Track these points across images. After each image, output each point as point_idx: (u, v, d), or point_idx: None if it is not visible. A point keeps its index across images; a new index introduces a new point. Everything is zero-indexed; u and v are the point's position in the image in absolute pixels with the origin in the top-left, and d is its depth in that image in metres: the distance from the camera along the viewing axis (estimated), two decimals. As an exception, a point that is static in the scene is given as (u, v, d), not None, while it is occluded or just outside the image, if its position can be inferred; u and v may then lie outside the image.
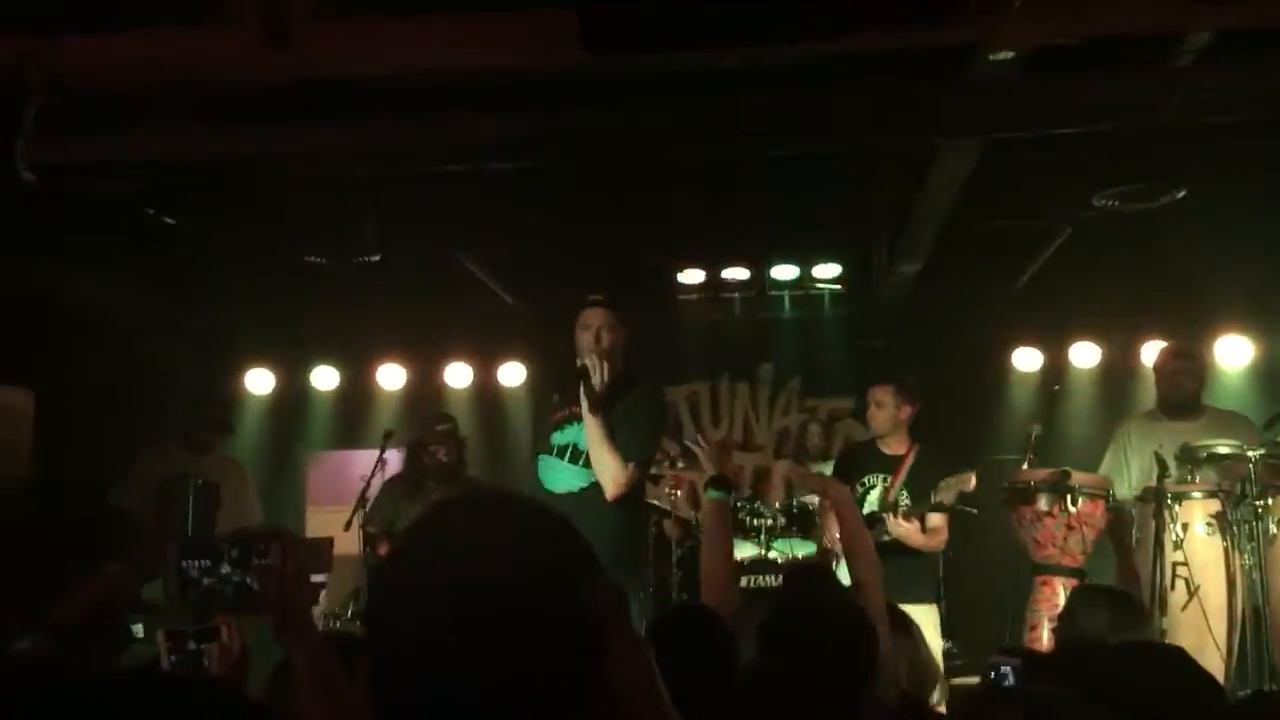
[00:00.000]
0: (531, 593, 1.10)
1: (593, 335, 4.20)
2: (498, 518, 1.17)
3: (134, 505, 5.78)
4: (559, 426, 4.28)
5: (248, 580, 2.02)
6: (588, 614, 1.13)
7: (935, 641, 4.85)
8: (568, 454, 4.23)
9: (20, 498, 5.35)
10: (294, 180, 5.09)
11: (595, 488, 4.15)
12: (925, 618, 4.68)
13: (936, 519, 5.16)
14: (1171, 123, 4.47)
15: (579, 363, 4.16)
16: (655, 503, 7.61)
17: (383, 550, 5.65)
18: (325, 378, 8.40)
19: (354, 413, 8.38)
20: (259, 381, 8.38)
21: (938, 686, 3.41)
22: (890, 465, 5.37)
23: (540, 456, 4.34)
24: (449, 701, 1.07)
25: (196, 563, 2.08)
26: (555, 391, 4.40)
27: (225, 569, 2.06)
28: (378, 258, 6.36)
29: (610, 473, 4.08)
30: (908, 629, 3.26)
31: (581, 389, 4.11)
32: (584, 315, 4.26)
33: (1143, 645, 2.13)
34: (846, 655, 2.36)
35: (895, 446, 5.42)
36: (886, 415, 5.43)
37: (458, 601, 1.09)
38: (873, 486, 5.37)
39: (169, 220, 5.78)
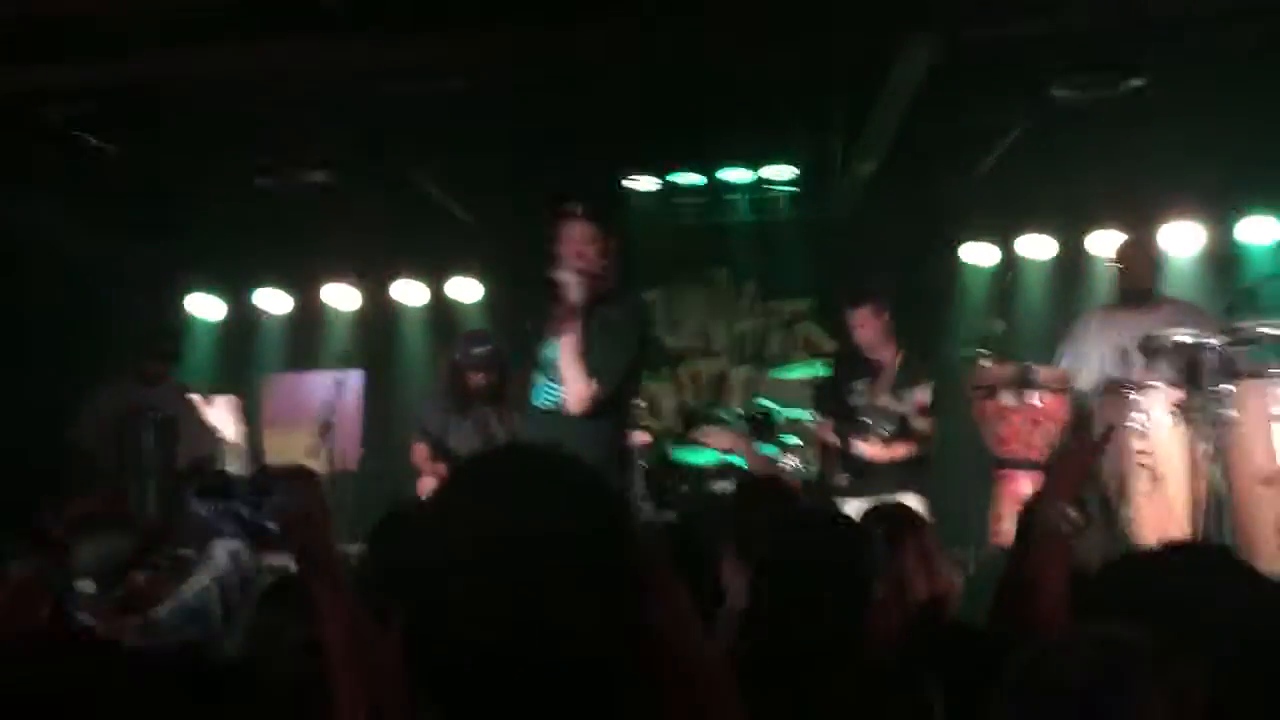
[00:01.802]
0: (571, 546, 1.07)
1: (573, 250, 4.07)
2: (534, 471, 1.14)
3: (92, 444, 5.67)
4: (546, 343, 4.20)
5: (264, 520, 1.97)
6: (627, 565, 1.10)
7: None
8: (548, 370, 4.17)
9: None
10: (240, 101, 4.91)
11: (563, 406, 4.11)
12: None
13: (922, 424, 5.42)
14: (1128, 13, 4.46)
15: (551, 277, 4.06)
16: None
17: (438, 467, 5.53)
18: (274, 300, 8.26)
19: (305, 334, 8.27)
20: (208, 307, 8.23)
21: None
22: (875, 372, 5.66)
23: (534, 372, 4.26)
24: (488, 654, 1.04)
25: (210, 505, 2.02)
26: (529, 315, 4.29)
27: (242, 509, 2.01)
28: (325, 177, 6.20)
29: (573, 389, 4.04)
30: (920, 529, 3.10)
31: (556, 304, 4.03)
32: (563, 229, 4.10)
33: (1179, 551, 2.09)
34: (843, 580, 2.33)
35: (880, 353, 5.68)
36: (871, 332, 5.68)
37: (498, 555, 1.06)
38: (862, 393, 5.65)
39: (109, 146, 5.59)
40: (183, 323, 7.92)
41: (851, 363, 5.89)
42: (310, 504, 1.83)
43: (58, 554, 2.12)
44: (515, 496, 1.09)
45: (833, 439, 5.89)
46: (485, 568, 1.05)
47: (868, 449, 5.59)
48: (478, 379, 5.65)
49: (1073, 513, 2.36)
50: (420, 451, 5.74)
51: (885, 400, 5.60)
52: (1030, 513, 3.20)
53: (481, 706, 1.05)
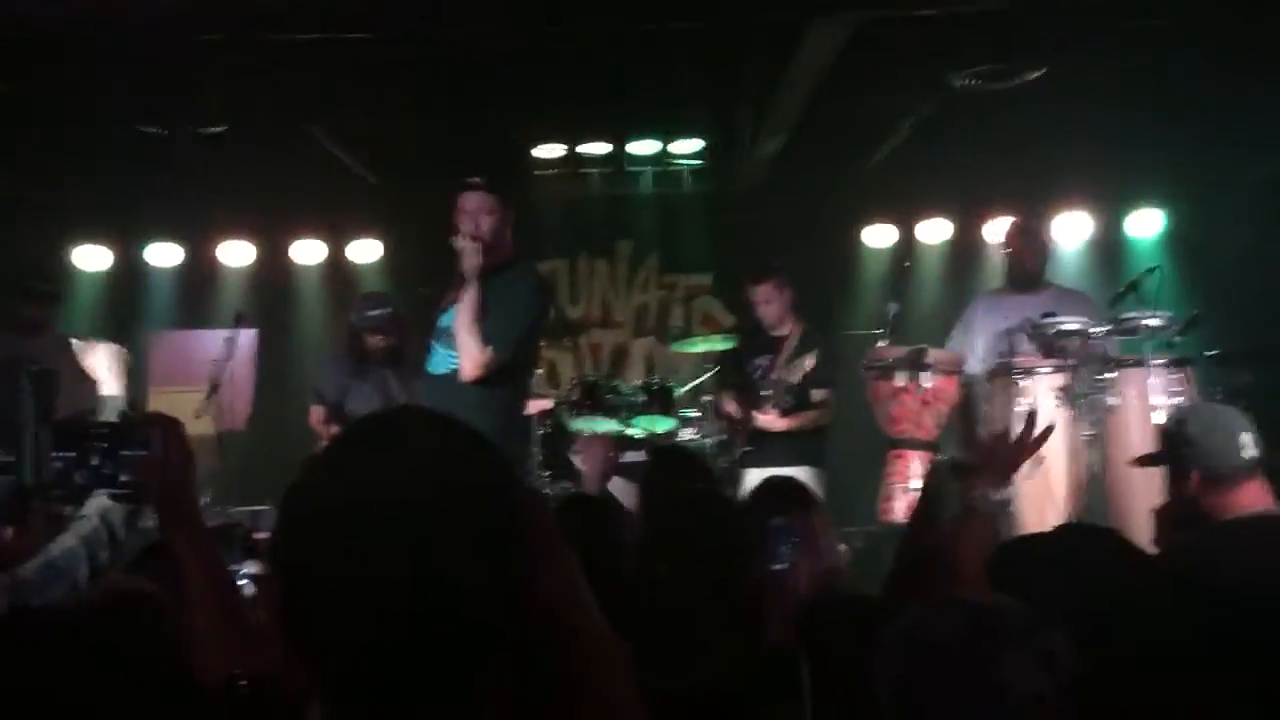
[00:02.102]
0: (453, 510, 1.05)
1: (470, 219, 4.10)
2: (419, 434, 1.11)
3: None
4: (444, 310, 4.22)
5: (119, 472, 1.91)
6: (512, 530, 1.08)
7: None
8: (443, 338, 4.18)
9: None
10: (135, 44, 4.73)
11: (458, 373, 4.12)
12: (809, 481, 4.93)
13: (818, 394, 5.64)
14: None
15: (454, 245, 4.07)
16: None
17: (334, 430, 5.44)
18: (165, 254, 8.03)
19: (197, 290, 8.06)
20: (93, 258, 7.96)
21: None
22: (776, 347, 5.84)
23: (431, 340, 4.28)
24: (362, 620, 1.02)
25: (63, 454, 1.95)
26: (420, 284, 4.31)
27: (95, 460, 1.94)
28: (222, 130, 6.02)
29: (466, 354, 4.04)
30: (809, 505, 3.14)
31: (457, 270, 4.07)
32: (462, 199, 4.13)
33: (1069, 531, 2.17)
34: (727, 558, 2.37)
35: (781, 328, 5.87)
36: (774, 308, 5.85)
37: (376, 517, 1.03)
38: (762, 366, 5.84)
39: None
40: (64, 270, 7.62)
41: (754, 337, 6.03)
42: (170, 452, 1.77)
43: None
44: (398, 458, 1.07)
45: (734, 411, 5.99)
46: (362, 530, 1.02)
47: (766, 420, 5.73)
48: (376, 341, 5.60)
49: (1002, 496, 2.49)
50: (316, 414, 5.67)
51: (783, 373, 5.73)
52: (933, 489, 3.30)
53: (358, 673, 1.03)
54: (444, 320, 4.21)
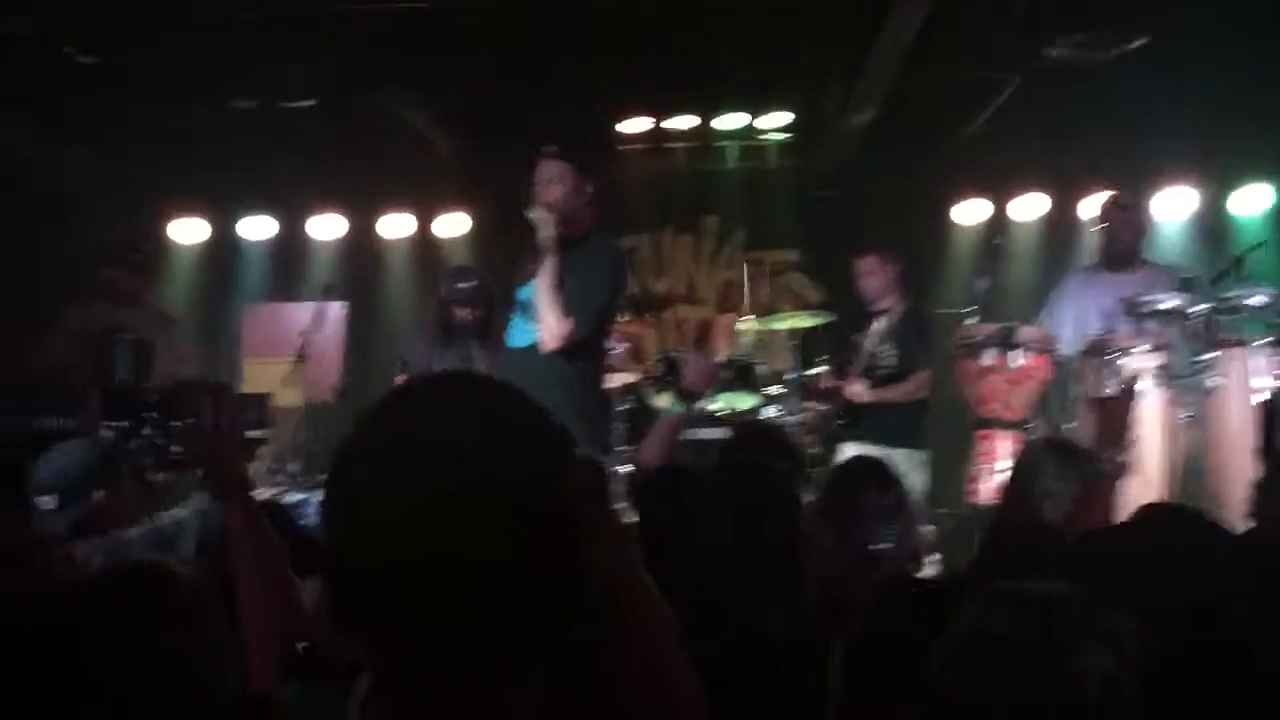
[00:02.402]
0: (497, 481, 1.01)
1: (544, 188, 4.08)
2: (465, 403, 1.08)
3: (60, 365, 5.57)
4: (523, 284, 4.21)
5: (171, 441, 1.93)
6: (559, 499, 1.05)
7: (919, 487, 5.17)
8: (525, 310, 4.19)
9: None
10: (223, 19, 4.80)
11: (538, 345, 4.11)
12: (902, 463, 4.95)
13: (913, 370, 5.56)
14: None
15: (528, 216, 4.05)
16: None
17: None
18: (258, 227, 8.17)
19: (289, 264, 8.18)
20: (189, 231, 8.13)
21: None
22: (875, 321, 5.78)
23: (512, 313, 4.30)
24: (406, 602, 1.00)
25: (117, 424, 1.98)
26: (508, 254, 4.31)
27: (147, 430, 1.97)
28: (312, 103, 6.09)
29: (547, 325, 4.04)
30: (886, 487, 3.11)
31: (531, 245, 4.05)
32: (539, 168, 4.11)
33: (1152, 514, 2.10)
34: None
35: (883, 303, 5.80)
36: (876, 282, 5.79)
37: (423, 491, 1.00)
38: (861, 341, 5.80)
39: (88, 60, 5.46)
40: (160, 244, 7.80)
41: (854, 311, 5.98)
42: (219, 420, 1.77)
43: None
44: (442, 423, 1.04)
45: (829, 384, 5.97)
46: (400, 492, 1.00)
47: (852, 391, 5.72)
48: (463, 314, 5.65)
49: (1119, 457, 2.56)
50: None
51: (883, 348, 5.69)
52: (1025, 469, 3.23)
53: (399, 638, 1.01)
54: (523, 293, 4.20)
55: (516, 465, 1.02)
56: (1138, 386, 4.71)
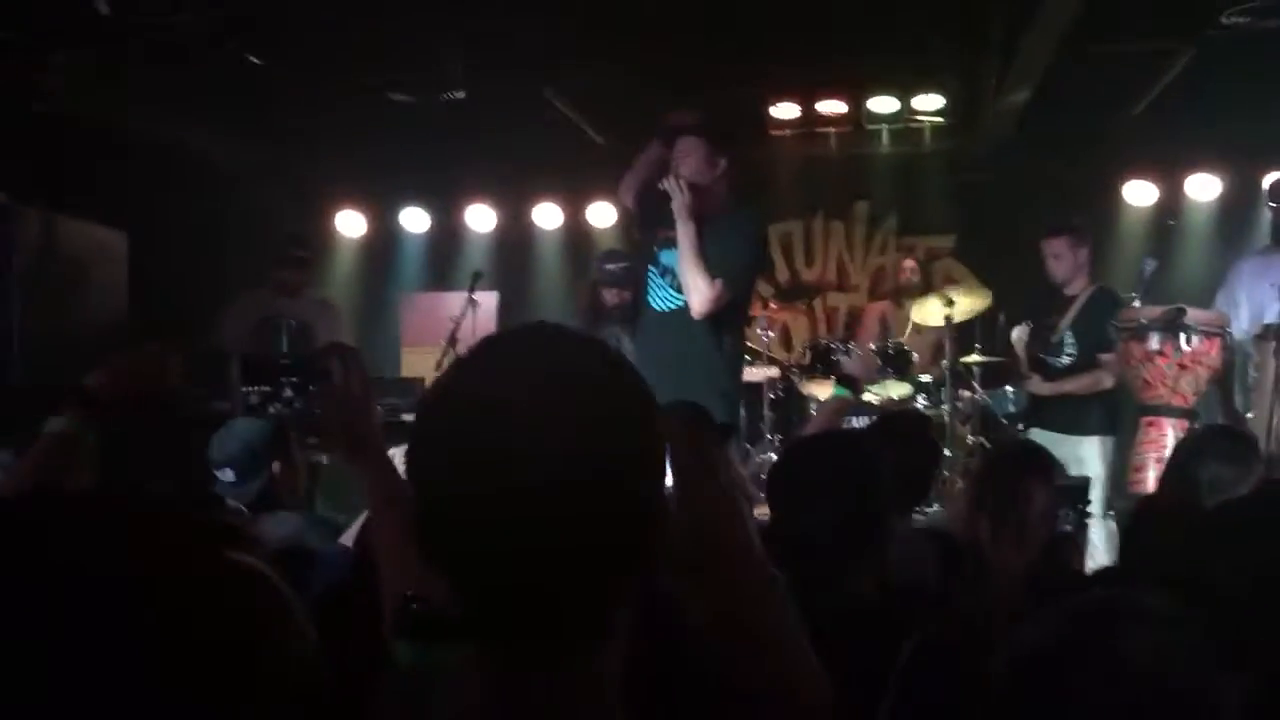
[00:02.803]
0: (580, 437, 1.00)
1: (678, 161, 4.17)
2: (540, 353, 1.07)
3: (232, 348, 5.83)
4: (665, 245, 4.27)
5: (309, 403, 1.97)
6: (641, 449, 1.03)
7: (1098, 472, 5.14)
8: (670, 276, 4.25)
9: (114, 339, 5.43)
10: (380, 14, 4.94)
11: (685, 309, 4.18)
12: (1089, 450, 5.34)
13: (1103, 358, 5.43)
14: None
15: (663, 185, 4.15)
16: (748, 344, 7.51)
17: None
18: (415, 219, 8.39)
19: (444, 253, 8.39)
20: (350, 223, 8.41)
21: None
22: (1064, 307, 5.69)
23: (649, 270, 4.35)
24: (477, 529, 0.99)
25: (256, 388, 2.03)
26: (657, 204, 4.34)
27: (287, 393, 2.01)
28: (463, 94, 6.21)
29: (696, 287, 4.08)
30: (1044, 472, 2.97)
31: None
32: (676, 144, 4.21)
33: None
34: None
35: (1072, 287, 5.70)
36: (1065, 264, 5.68)
37: (496, 438, 0.99)
38: (1046, 326, 5.74)
39: (255, 59, 5.68)
40: (321, 235, 8.09)
41: (1039, 295, 5.87)
42: (349, 381, 1.79)
43: (94, 411, 2.10)
44: (523, 374, 1.03)
45: (1024, 365, 5.91)
46: (479, 448, 0.99)
47: (1031, 385, 5.75)
48: (612, 296, 5.74)
49: None
50: None
51: (1066, 335, 5.61)
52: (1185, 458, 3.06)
53: (478, 583, 1.00)
54: (665, 256, 4.26)
55: (589, 411, 1.01)
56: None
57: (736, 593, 1.21)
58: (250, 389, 2.04)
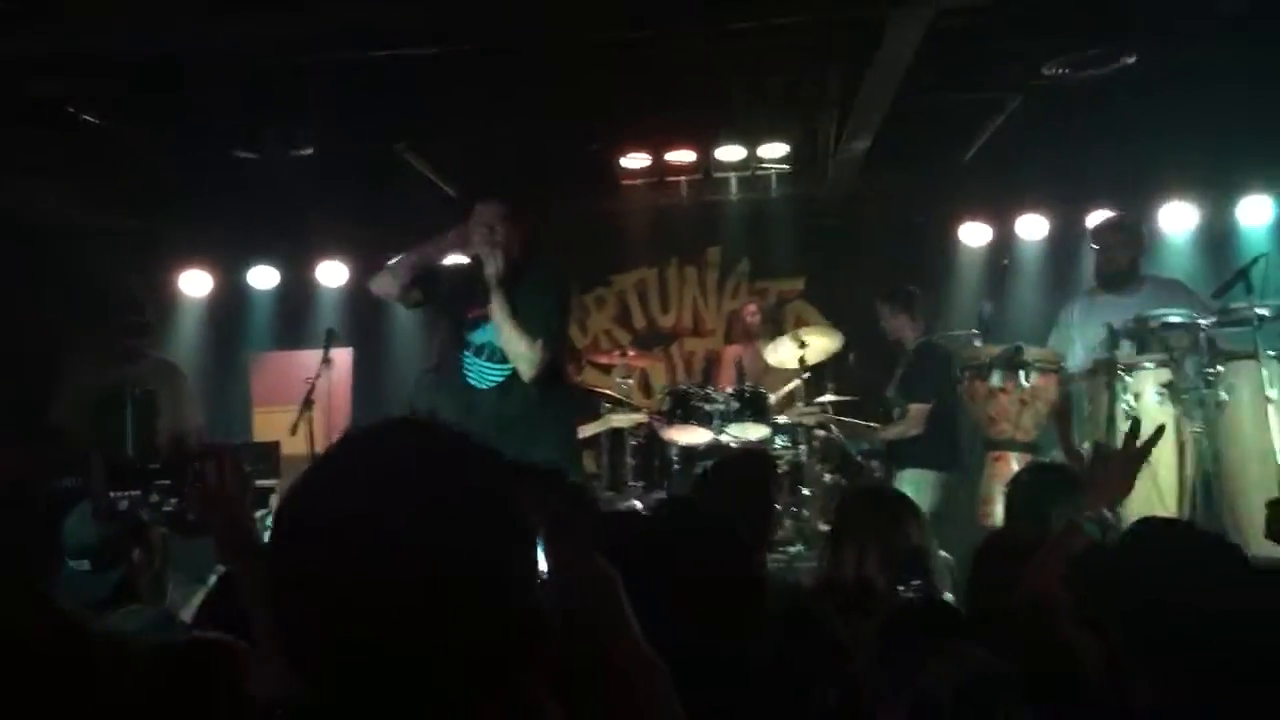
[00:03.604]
0: (438, 532, 1.00)
1: (486, 229, 4.20)
2: (410, 452, 1.06)
3: (72, 422, 5.59)
4: (475, 326, 4.30)
5: (181, 506, 1.92)
6: (508, 551, 1.03)
7: (929, 504, 5.48)
8: (485, 353, 4.28)
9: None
10: (223, 74, 4.85)
11: (516, 376, 4.21)
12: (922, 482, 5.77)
13: (912, 407, 6.02)
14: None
15: (474, 255, 4.21)
16: (607, 391, 7.55)
17: None
18: (264, 277, 8.21)
19: (296, 312, 8.22)
20: (195, 282, 8.17)
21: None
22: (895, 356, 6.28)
23: (464, 355, 4.35)
24: (354, 645, 0.98)
25: (125, 494, 1.98)
26: (455, 287, 4.35)
27: (155, 497, 1.96)
28: (311, 151, 6.13)
29: (521, 352, 4.12)
30: (895, 517, 3.05)
31: (482, 281, 4.18)
32: (478, 211, 4.26)
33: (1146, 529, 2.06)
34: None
35: (906, 343, 6.28)
36: (888, 325, 6.33)
37: (359, 537, 0.99)
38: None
39: (95, 120, 5.51)
40: (164, 296, 7.85)
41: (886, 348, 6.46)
42: (225, 483, 1.77)
43: None
44: (387, 474, 1.03)
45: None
46: (338, 548, 0.99)
47: (881, 430, 6.22)
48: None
49: (1108, 516, 2.37)
50: None
51: (892, 389, 6.15)
52: (1020, 495, 3.19)
53: (338, 685, 0.99)
54: (478, 336, 4.28)
55: (457, 514, 1.00)
56: (1148, 403, 4.71)
57: (624, 688, 1.21)
58: (118, 494, 1.98)
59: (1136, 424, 2.62)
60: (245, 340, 8.30)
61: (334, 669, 0.98)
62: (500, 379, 4.22)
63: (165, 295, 7.89)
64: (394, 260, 4.44)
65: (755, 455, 5.72)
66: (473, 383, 4.31)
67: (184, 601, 3.30)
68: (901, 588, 2.53)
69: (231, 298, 8.26)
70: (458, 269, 4.36)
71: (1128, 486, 2.48)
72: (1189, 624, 1.72)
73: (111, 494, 2.00)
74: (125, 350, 5.93)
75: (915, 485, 5.74)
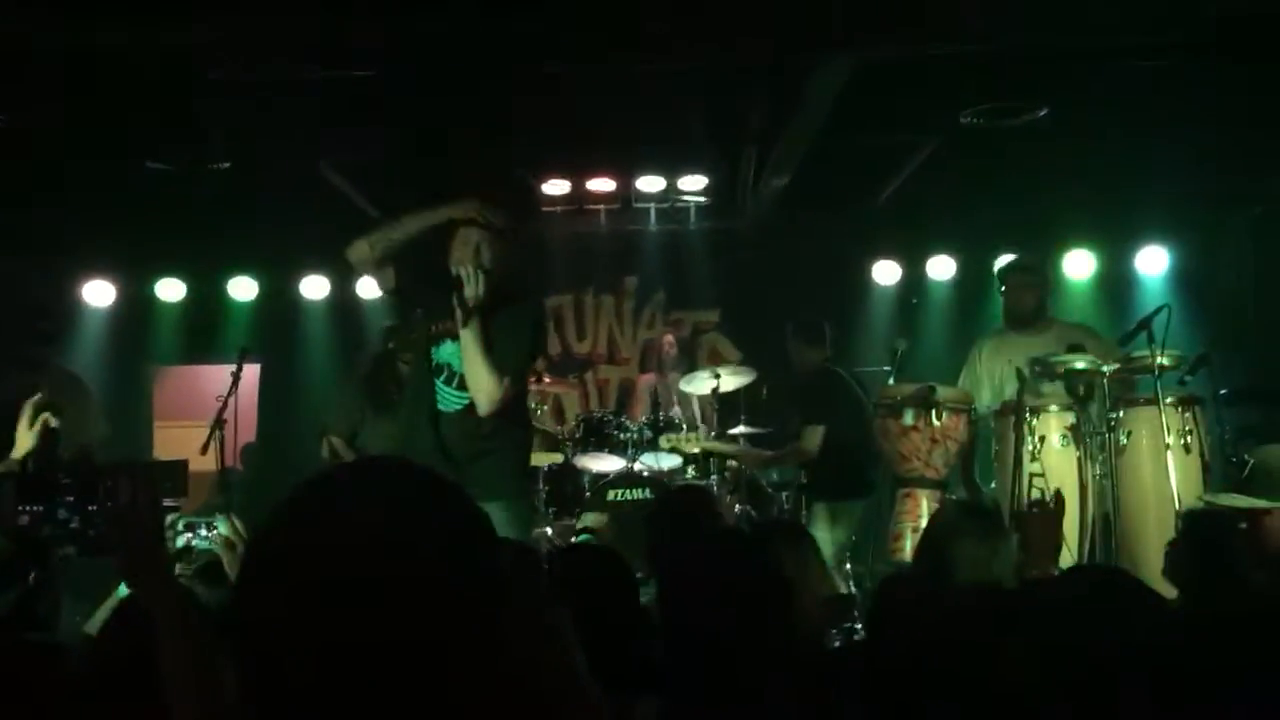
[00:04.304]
0: (405, 573, 1.00)
1: (472, 249, 3.89)
2: (376, 488, 1.07)
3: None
4: (436, 343, 4.00)
5: (88, 525, 1.88)
6: (475, 585, 1.04)
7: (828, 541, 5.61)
8: (443, 375, 3.98)
9: None
10: (139, 80, 4.74)
11: (471, 408, 3.90)
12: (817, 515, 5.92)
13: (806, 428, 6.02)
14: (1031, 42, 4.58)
15: (454, 272, 3.85)
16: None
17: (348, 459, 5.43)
18: (171, 289, 8.04)
19: (203, 326, 8.06)
20: (99, 293, 7.97)
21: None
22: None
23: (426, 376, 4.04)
24: (322, 686, 0.98)
25: (31, 508, 1.93)
26: (419, 305, 4.14)
27: (63, 514, 1.92)
28: (227, 165, 6.03)
29: (485, 388, 3.81)
30: (804, 541, 3.09)
31: (455, 300, 3.81)
32: (463, 231, 3.94)
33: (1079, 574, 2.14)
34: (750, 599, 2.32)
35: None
36: (795, 358, 6.29)
37: (328, 577, 0.99)
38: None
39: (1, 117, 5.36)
40: (71, 306, 7.64)
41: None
42: (136, 503, 1.73)
43: None
44: (350, 517, 1.02)
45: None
46: (305, 589, 0.99)
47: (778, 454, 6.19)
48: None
49: (1053, 570, 2.48)
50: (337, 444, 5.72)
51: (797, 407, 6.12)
52: (938, 530, 3.28)
53: None
54: (441, 353, 3.99)
55: (423, 555, 1.01)
56: (1038, 448, 4.86)
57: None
58: (23, 508, 1.93)
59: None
60: (149, 353, 8.11)
61: (316, 705, 0.98)
62: (459, 406, 3.92)
63: (68, 305, 7.68)
64: (374, 233, 4.03)
65: (695, 490, 5.73)
66: (438, 405, 3.99)
67: (81, 624, 3.21)
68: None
69: (136, 309, 8.07)
70: (434, 273, 4.04)
71: (1057, 541, 2.62)
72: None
73: (19, 508, 1.95)
74: (27, 360, 5.75)
75: (828, 517, 5.83)
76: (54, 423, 3.58)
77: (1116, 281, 7.75)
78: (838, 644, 2.36)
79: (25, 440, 3.62)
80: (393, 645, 0.98)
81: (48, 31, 4.19)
